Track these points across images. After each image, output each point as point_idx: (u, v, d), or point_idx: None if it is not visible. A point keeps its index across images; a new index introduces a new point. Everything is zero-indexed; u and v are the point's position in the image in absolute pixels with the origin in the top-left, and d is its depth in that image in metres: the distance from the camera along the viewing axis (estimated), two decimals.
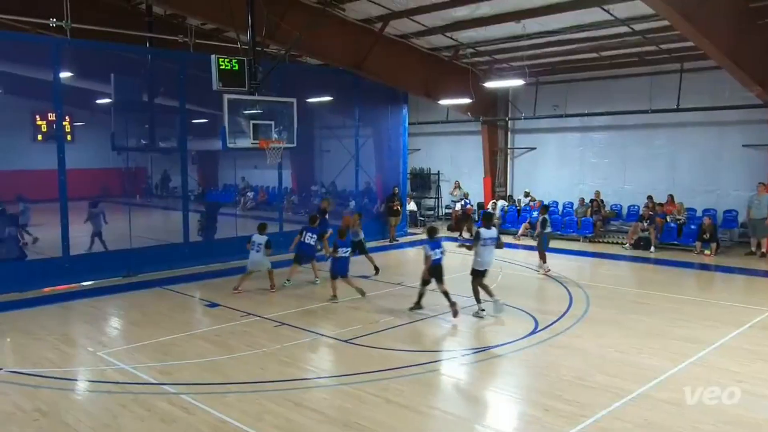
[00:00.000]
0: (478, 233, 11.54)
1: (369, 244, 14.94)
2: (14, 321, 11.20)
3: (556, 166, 22.05)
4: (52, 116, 19.48)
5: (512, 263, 16.33)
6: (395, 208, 20.21)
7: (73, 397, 8.00)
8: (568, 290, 13.40)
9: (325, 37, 16.37)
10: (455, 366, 9.10)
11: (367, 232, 16.86)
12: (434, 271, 11.26)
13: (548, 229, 15.43)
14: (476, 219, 22.95)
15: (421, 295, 11.61)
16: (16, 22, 14.72)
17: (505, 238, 19.91)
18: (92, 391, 8.14)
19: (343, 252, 12.65)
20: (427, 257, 11.18)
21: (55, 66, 13.91)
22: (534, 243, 16.11)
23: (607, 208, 20.33)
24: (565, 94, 21.01)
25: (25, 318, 11.41)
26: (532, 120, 21.67)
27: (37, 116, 24.32)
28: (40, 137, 24.19)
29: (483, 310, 11.33)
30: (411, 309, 11.61)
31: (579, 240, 20.00)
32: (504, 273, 14.77)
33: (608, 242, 19.53)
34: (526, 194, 22.14)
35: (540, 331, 10.39)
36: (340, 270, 12.62)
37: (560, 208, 21.66)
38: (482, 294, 11.43)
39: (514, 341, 9.81)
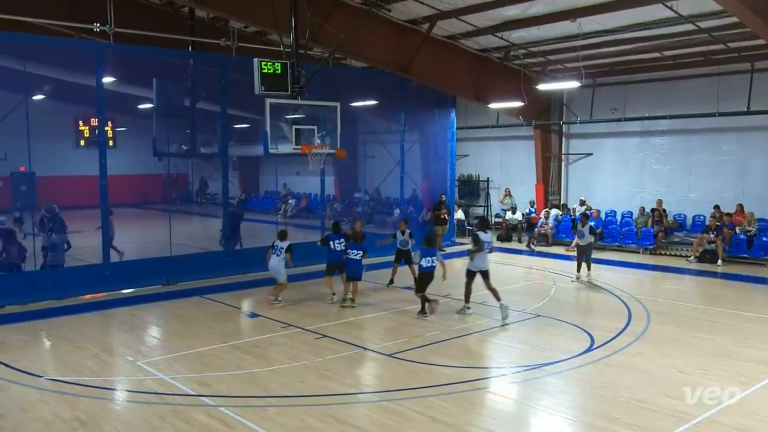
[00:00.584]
0: (477, 237, 11.96)
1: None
2: (55, 328, 11.29)
3: (615, 173, 21.13)
4: (94, 122, 19.61)
5: (567, 275, 15.63)
6: (442, 216, 19.56)
7: (112, 407, 8.00)
8: (626, 305, 12.81)
9: (370, 39, 16.08)
10: (504, 384, 8.87)
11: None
12: (421, 278, 11.94)
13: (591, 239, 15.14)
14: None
15: (423, 301, 12.00)
16: (62, 27, 14.78)
17: (559, 249, 19.46)
18: (131, 402, 8.11)
19: (354, 254, 12.67)
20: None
21: (99, 71, 13.87)
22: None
23: (670, 218, 19.37)
24: (623, 97, 20.18)
25: (65, 325, 11.52)
26: (589, 124, 20.88)
27: (80, 122, 24.63)
28: (82, 143, 24.53)
29: (469, 308, 12.06)
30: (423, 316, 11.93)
31: (639, 252, 19.17)
32: (558, 287, 14.11)
33: (671, 255, 18.66)
34: (582, 203, 21.22)
35: (596, 348, 9.96)
36: (349, 272, 12.70)
37: (618, 217, 20.71)
38: (471, 297, 12.06)
39: (568, 359, 9.47)
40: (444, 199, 20.01)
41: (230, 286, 14.72)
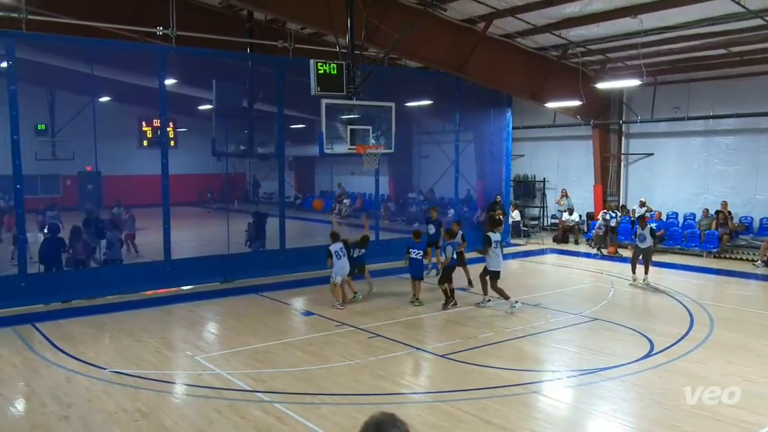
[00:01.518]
0: (488, 237, 12.39)
1: (467, 255, 14.27)
2: (118, 322, 11.65)
3: (677, 174, 20.46)
4: (157, 122, 20.20)
5: (625, 278, 15.25)
6: (497, 217, 19.29)
7: (171, 400, 8.16)
8: (688, 310, 12.38)
9: (425, 39, 16.02)
10: (560, 388, 8.67)
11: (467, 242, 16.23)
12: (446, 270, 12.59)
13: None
14: (585, 230, 21.80)
15: (446, 293, 12.53)
16: (127, 31, 15.29)
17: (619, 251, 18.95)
18: (189, 395, 8.29)
19: (415, 254, 12.94)
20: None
21: (161, 73, 14.29)
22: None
23: (736, 221, 18.62)
24: (687, 95, 19.49)
25: (128, 320, 11.87)
26: (650, 123, 20.29)
27: (143, 122, 25.42)
28: (145, 143, 25.31)
29: (517, 302, 12.24)
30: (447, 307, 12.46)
31: (702, 255, 18.55)
32: (616, 290, 13.76)
33: (736, 258, 18.00)
34: (642, 204, 20.64)
35: (656, 354, 9.66)
36: (411, 271, 13.05)
37: (680, 219, 20.04)
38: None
39: (625, 364, 9.20)
40: (499, 199, 19.82)
41: (286, 284, 14.91)
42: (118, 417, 7.39)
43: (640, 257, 14.55)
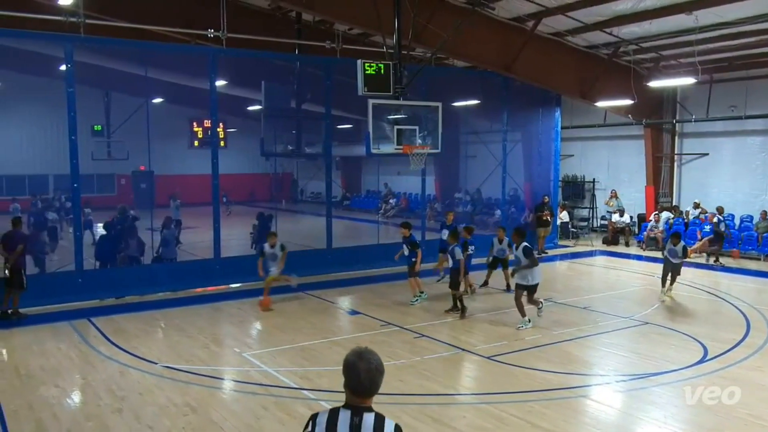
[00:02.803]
0: (529, 247, 11.26)
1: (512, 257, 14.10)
2: (170, 318, 11.95)
3: (733, 175, 19.83)
4: (207, 123, 20.61)
5: (678, 283, 14.74)
6: (544, 218, 19.09)
7: (219, 396, 8.33)
8: (744, 315, 12.00)
9: (472, 38, 15.91)
10: (608, 392, 8.53)
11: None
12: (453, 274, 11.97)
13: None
14: (636, 232, 21.34)
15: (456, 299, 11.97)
16: (179, 34, 15.66)
17: None
18: (237, 391, 8.40)
19: (471, 249, 13.26)
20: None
21: (212, 74, 14.55)
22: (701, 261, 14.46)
23: None
24: (744, 93, 18.87)
25: (179, 316, 12.14)
26: (705, 123, 19.70)
27: (194, 123, 25.96)
28: (196, 143, 25.83)
29: (529, 320, 11.19)
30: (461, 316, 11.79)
31: (759, 259, 17.95)
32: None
33: None
34: (696, 205, 20.08)
35: (709, 360, 9.42)
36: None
37: (737, 222, 19.40)
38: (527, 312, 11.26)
39: (677, 369, 8.99)
40: (547, 200, 19.55)
41: (332, 283, 15.02)
42: (169, 411, 7.57)
43: (670, 272, 13.52)
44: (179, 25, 15.34)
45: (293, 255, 16.10)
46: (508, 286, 13.93)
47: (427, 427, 7.12)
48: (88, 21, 13.02)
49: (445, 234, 14.29)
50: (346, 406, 3.23)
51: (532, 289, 11.13)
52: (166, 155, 22.82)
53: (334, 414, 3.24)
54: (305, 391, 8.19)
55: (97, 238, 15.79)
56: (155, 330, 11.34)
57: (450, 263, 12.05)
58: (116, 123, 23.47)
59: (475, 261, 14.42)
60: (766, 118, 18.37)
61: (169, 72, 19.62)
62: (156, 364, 9.25)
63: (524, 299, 11.12)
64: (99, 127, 25.00)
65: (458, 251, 11.86)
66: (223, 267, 14.76)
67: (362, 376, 3.19)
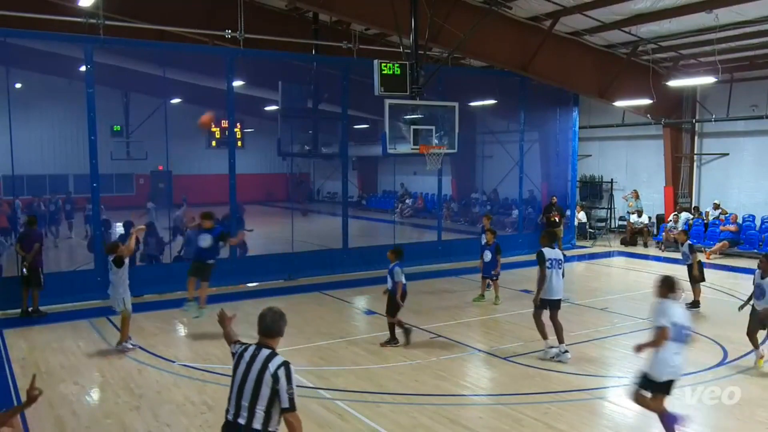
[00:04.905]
0: (542, 254, 9.31)
1: (530, 257, 14.04)
2: (187, 317, 11.84)
3: (754, 175, 19.55)
4: (225, 123, 20.74)
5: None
6: (553, 219, 18.92)
7: None
8: None
9: (489, 38, 15.89)
10: (626, 394, 8.13)
11: (528, 244, 15.97)
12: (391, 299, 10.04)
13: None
14: (655, 233, 21.17)
15: (406, 331, 10.18)
16: (197, 35, 15.77)
17: None
18: None
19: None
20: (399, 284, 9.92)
21: (229, 75, 14.63)
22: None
23: None
24: (765, 92, 18.62)
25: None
26: (725, 122, 19.47)
27: (212, 123, 26.11)
28: (213, 143, 26.01)
29: (565, 351, 9.38)
30: (404, 343, 10.12)
31: None
32: (687, 295, 13.16)
33: None
34: (716, 206, 19.84)
35: (729, 362, 9.38)
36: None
37: (758, 222, 19.14)
38: (550, 333, 9.48)
39: (697, 372, 8.81)
40: (555, 201, 19.34)
41: (348, 282, 15.04)
42: (186, 409, 7.62)
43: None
44: (197, 26, 15.45)
45: (308, 255, 16.21)
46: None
47: (443, 427, 7.11)
48: (107, 22, 13.14)
49: (483, 239, 13.28)
50: (257, 343, 4.50)
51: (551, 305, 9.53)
52: (184, 155, 23.08)
53: (247, 347, 4.51)
54: (321, 391, 8.21)
55: (116, 237, 15.93)
56: (173, 328, 11.43)
57: (389, 285, 10.05)
58: (135, 123, 23.71)
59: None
60: None
61: (187, 72, 19.79)
62: (174, 362, 9.32)
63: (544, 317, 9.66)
64: (118, 128, 25.28)
65: (398, 271, 9.88)
66: (240, 266, 14.84)
67: (267, 320, 4.50)
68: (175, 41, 16.01)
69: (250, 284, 14.65)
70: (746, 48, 17.09)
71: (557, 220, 19.02)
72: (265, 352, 4.41)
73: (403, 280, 9.92)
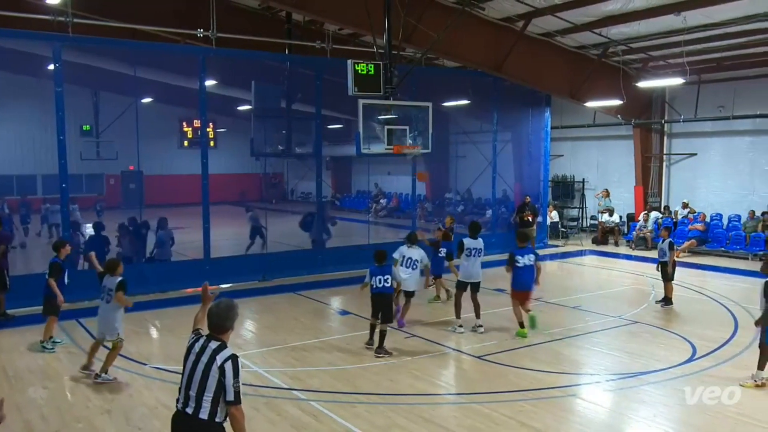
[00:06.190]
0: (462, 244, 10.94)
1: (503, 256, 14.08)
2: (160, 319, 11.92)
3: (721, 175, 19.98)
4: (197, 123, 20.57)
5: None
6: (526, 218, 19.12)
7: None
8: (732, 315, 12.10)
9: (462, 39, 15.97)
10: (598, 392, 8.56)
11: (501, 244, 16.08)
12: (376, 302, 9.78)
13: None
14: (626, 232, 21.48)
15: (372, 329, 10.06)
16: (168, 33, 15.60)
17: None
18: None
19: (441, 252, 12.81)
20: (363, 285, 9.95)
21: (201, 74, 14.52)
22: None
23: None
24: (732, 94, 19.04)
25: (169, 316, 12.08)
26: (693, 123, 19.83)
27: (184, 123, 25.87)
28: (186, 143, 25.74)
29: (480, 326, 10.87)
30: (367, 346, 10.02)
31: (747, 258, 17.99)
32: (657, 293, 13.48)
33: None
34: (685, 205, 20.23)
35: (698, 359, 9.54)
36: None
37: (725, 221, 19.54)
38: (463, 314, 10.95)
39: (666, 368, 9.07)
40: (528, 200, 19.56)
41: (323, 283, 15.01)
42: (159, 412, 7.53)
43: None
44: (169, 25, 15.29)
45: (282, 255, 16.13)
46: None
47: (418, 427, 7.14)
48: (76, 20, 12.95)
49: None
50: (207, 335, 4.57)
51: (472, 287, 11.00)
52: (156, 155, 22.79)
53: (198, 338, 4.59)
54: (296, 392, 8.18)
55: (86, 238, 15.69)
56: (145, 331, 11.27)
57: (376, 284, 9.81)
58: (105, 123, 23.34)
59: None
60: (754, 118, 18.49)
61: (158, 71, 19.56)
62: (146, 365, 9.21)
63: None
64: (88, 127, 24.86)
65: (368, 274, 9.90)
66: (213, 267, 14.71)
67: (215, 316, 4.55)
68: (146, 40, 15.80)
69: (223, 285, 14.48)
70: (713, 50, 17.43)
71: (530, 219, 19.21)
72: (214, 344, 4.48)
73: (367, 280, 9.87)
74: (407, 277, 10.90)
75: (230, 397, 4.37)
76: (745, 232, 18.43)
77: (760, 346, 8.31)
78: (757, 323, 8.42)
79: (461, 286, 11.04)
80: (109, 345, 8.67)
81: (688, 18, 14.73)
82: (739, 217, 19.17)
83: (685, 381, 8.48)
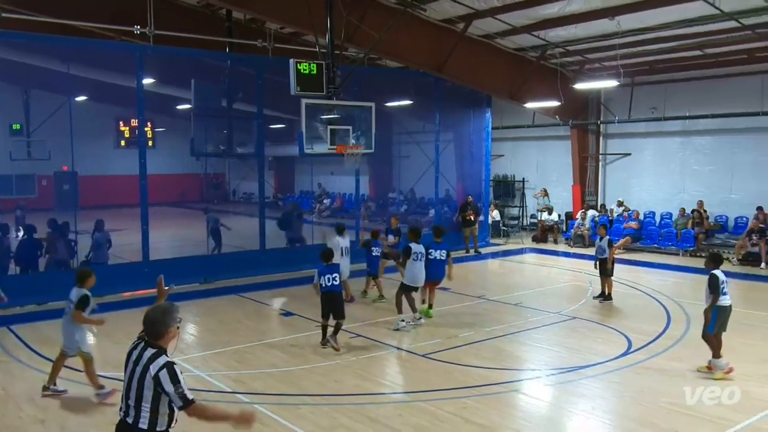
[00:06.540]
0: (408, 249, 11.16)
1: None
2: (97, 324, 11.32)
3: (654, 174, 20.72)
4: (134, 122, 20.05)
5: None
6: (468, 217, 19.44)
7: None
8: (665, 309, 12.51)
9: (404, 39, 16.05)
10: (539, 386, 8.75)
11: (446, 243, 16.22)
12: (327, 301, 9.94)
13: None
14: (564, 229, 22.01)
15: (323, 329, 10.15)
16: (104, 30, 15.15)
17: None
18: None
19: (376, 251, 13.14)
20: (314, 286, 10.03)
21: (139, 72, 14.13)
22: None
23: (711, 220, 18.84)
24: (663, 96, 19.75)
25: (107, 321, 11.49)
26: (627, 124, 20.47)
27: (121, 122, 25.19)
28: (123, 143, 25.07)
29: (403, 321, 11.11)
30: (322, 345, 10.09)
31: (678, 254, 18.75)
32: (594, 289, 13.92)
33: None
34: (620, 203, 20.91)
35: (633, 352, 9.82)
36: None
37: (657, 218, 20.28)
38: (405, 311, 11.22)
39: (604, 362, 9.32)
40: (470, 200, 19.87)
41: (266, 284, 14.84)
42: (96, 420, 7.31)
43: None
44: (104, 21, 14.83)
45: (225, 257, 15.88)
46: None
47: (363, 426, 7.14)
48: (5, 15, 12.44)
49: (391, 239, 14.48)
50: (144, 341, 4.41)
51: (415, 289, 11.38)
52: (91, 155, 22.06)
53: (137, 345, 4.43)
54: (239, 395, 8.06)
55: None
56: None
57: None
58: (37, 122, 22.51)
59: None
60: (684, 119, 19.22)
61: (93, 69, 18.94)
62: (81, 372, 8.85)
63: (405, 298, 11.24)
64: (18, 126, 23.96)
65: (316, 274, 10.10)
66: (153, 270, 14.33)
67: (148, 321, 4.42)
68: (80, 36, 15.28)
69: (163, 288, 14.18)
70: (646, 53, 18.01)
71: (472, 218, 19.52)
72: (149, 352, 4.31)
73: (316, 280, 9.94)
74: (346, 265, 12.20)
75: (179, 404, 4.24)
76: (676, 229, 19.14)
77: (703, 337, 8.67)
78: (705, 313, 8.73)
79: (407, 289, 11.22)
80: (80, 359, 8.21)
81: (623, 22, 15.13)
82: (671, 214, 19.90)
83: (621, 374, 8.76)
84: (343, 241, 12.63)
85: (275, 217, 17.69)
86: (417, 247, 11.19)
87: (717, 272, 8.73)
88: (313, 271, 10.14)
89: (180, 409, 4.28)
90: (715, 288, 8.56)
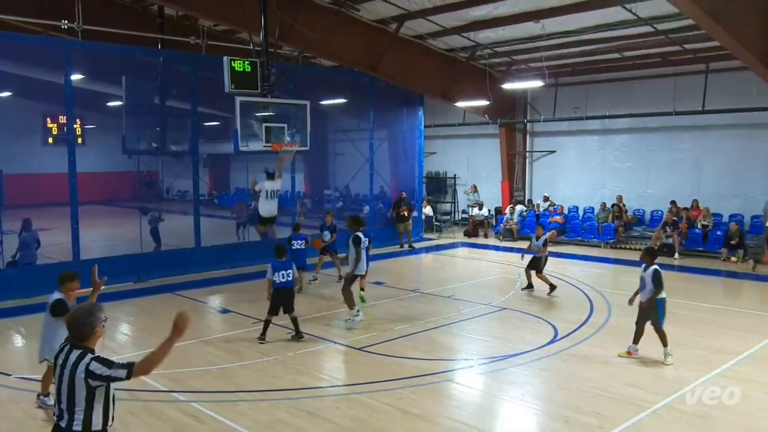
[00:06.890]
0: (357, 237, 11.08)
1: (382, 250, 14.57)
2: (25, 326, 11.19)
3: (577, 170, 21.62)
4: (63, 119, 19.46)
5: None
6: (402, 213, 19.89)
7: None
8: (588, 298, 13.06)
9: (338, 39, 16.20)
10: (471, 375, 8.99)
11: (380, 238, 16.51)
12: (278, 297, 10.12)
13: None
14: (494, 224, 22.70)
15: (266, 324, 10.25)
16: (30, 24, 14.67)
17: (524, 244, 19.67)
18: None
19: (298, 244, 13.49)
20: (268, 281, 10.17)
21: (67, 68, 13.80)
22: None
23: (629, 214, 19.86)
24: (585, 96, 20.59)
25: (35, 323, 11.10)
26: (552, 122, 21.26)
27: (48, 119, 24.32)
28: (51, 140, 24.21)
29: (358, 314, 11.21)
30: (260, 341, 10.17)
31: (600, 246, 19.62)
32: (523, 280, 14.37)
33: (631, 248, 18.95)
34: (546, 199, 21.75)
35: (559, 340, 10.15)
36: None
37: (581, 213, 21.22)
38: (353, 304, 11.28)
39: (532, 350, 9.65)
40: (404, 196, 20.25)
41: (201, 282, 14.75)
42: (28, 426, 7.15)
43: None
44: (30, 15, 14.36)
45: (159, 255, 15.67)
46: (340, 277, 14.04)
47: (301, 420, 7.19)
48: None
49: (326, 236, 14.58)
50: (71, 343, 4.32)
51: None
52: (17, 153, 21.25)
53: (64, 348, 4.33)
54: (176, 394, 7.98)
55: None
56: (8, 339, 10.62)
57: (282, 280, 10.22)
58: None
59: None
60: (603, 119, 20.11)
61: (17, 64, 18.30)
62: (10, 375, 8.67)
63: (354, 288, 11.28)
64: None
65: (269, 269, 10.18)
66: (83, 269, 14.02)
67: (72, 324, 4.33)
68: (4, 30, 14.77)
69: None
70: (569, 56, 18.76)
71: (406, 214, 19.93)
72: (74, 354, 4.23)
73: (269, 276, 10.11)
74: (273, 208, 13.46)
75: (123, 375, 4.19)
76: (598, 223, 20.05)
77: (657, 330, 8.99)
78: (641, 306, 9.12)
79: (353, 280, 11.24)
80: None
81: (546, 25, 15.71)
82: (593, 209, 20.82)
83: (548, 361, 9.13)
84: (271, 185, 13.55)
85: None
86: (362, 235, 11.21)
87: (657, 267, 9.07)
88: (250, 267, 10.22)
89: (127, 377, 4.21)
90: (660, 282, 8.91)
